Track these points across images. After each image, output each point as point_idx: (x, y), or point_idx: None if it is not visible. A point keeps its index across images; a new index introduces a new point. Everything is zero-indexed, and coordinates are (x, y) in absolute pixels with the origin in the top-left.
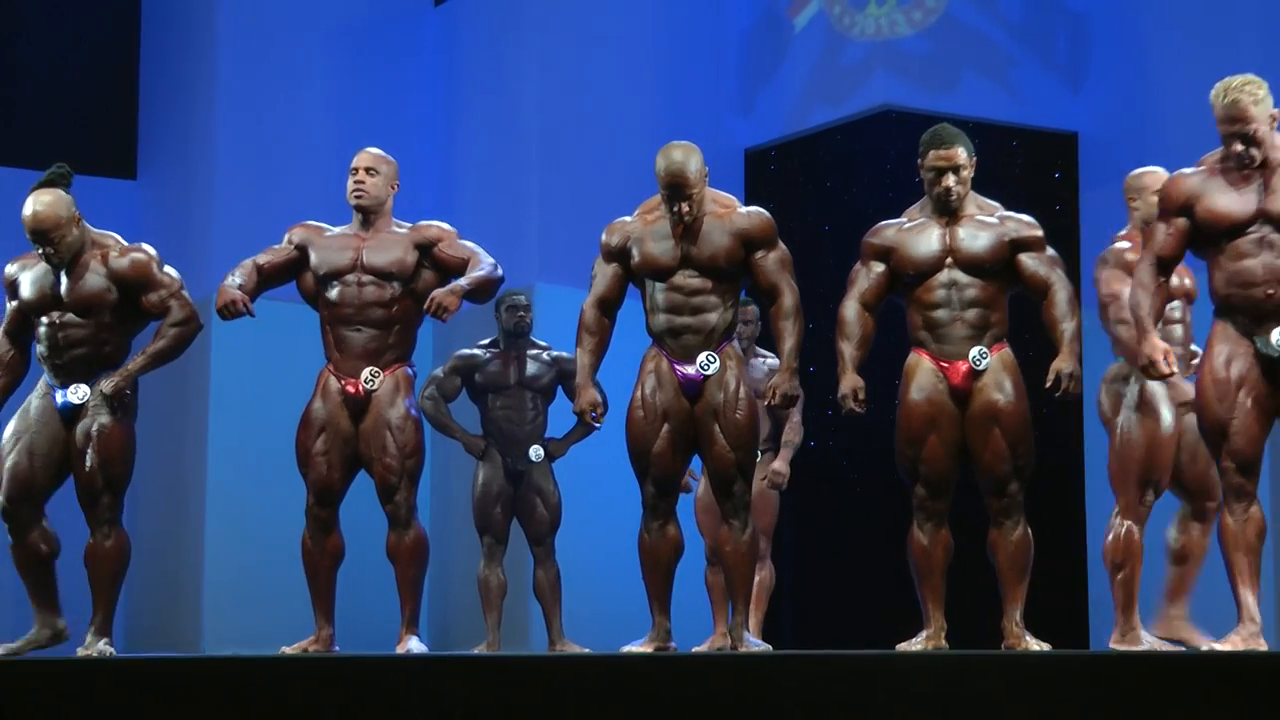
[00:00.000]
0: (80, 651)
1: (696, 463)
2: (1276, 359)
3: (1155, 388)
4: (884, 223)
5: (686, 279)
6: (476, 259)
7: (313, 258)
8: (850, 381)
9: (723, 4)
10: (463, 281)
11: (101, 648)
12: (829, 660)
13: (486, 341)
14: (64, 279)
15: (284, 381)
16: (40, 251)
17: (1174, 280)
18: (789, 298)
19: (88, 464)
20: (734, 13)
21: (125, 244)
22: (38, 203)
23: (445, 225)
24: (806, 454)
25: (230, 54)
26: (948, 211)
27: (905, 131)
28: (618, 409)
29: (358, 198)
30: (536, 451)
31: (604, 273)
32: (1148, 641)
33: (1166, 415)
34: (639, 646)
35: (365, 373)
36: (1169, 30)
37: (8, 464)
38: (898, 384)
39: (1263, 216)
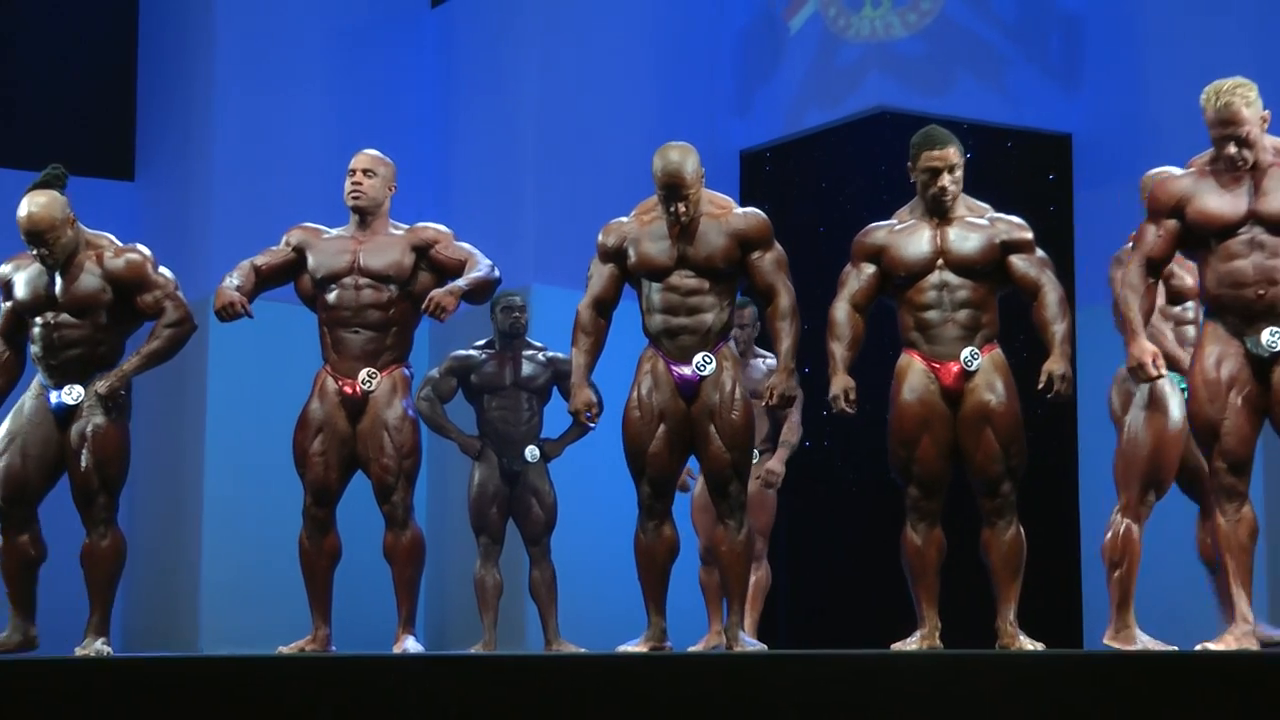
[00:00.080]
0: (78, 651)
1: (695, 462)
2: (1267, 359)
3: (1166, 387)
4: (874, 224)
5: (683, 279)
6: (473, 261)
7: (310, 261)
8: (841, 382)
9: (719, 6)
10: (461, 282)
11: (99, 647)
12: (824, 660)
13: (482, 342)
14: (59, 279)
15: (281, 382)
16: (35, 252)
17: (1187, 280)
18: (785, 298)
19: (83, 464)
20: (730, 14)
21: (120, 244)
22: (33, 204)
23: (442, 227)
24: (801, 454)
25: (228, 55)
26: (941, 212)
27: (900, 133)
28: (613, 409)
29: (355, 199)
30: (532, 452)
31: (600, 273)
32: (1142, 640)
33: (1176, 415)
34: (634, 646)
35: (363, 374)
36: (1163, 32)
37: (1, 465)
38: (890, 384)
39: (1253, 217)
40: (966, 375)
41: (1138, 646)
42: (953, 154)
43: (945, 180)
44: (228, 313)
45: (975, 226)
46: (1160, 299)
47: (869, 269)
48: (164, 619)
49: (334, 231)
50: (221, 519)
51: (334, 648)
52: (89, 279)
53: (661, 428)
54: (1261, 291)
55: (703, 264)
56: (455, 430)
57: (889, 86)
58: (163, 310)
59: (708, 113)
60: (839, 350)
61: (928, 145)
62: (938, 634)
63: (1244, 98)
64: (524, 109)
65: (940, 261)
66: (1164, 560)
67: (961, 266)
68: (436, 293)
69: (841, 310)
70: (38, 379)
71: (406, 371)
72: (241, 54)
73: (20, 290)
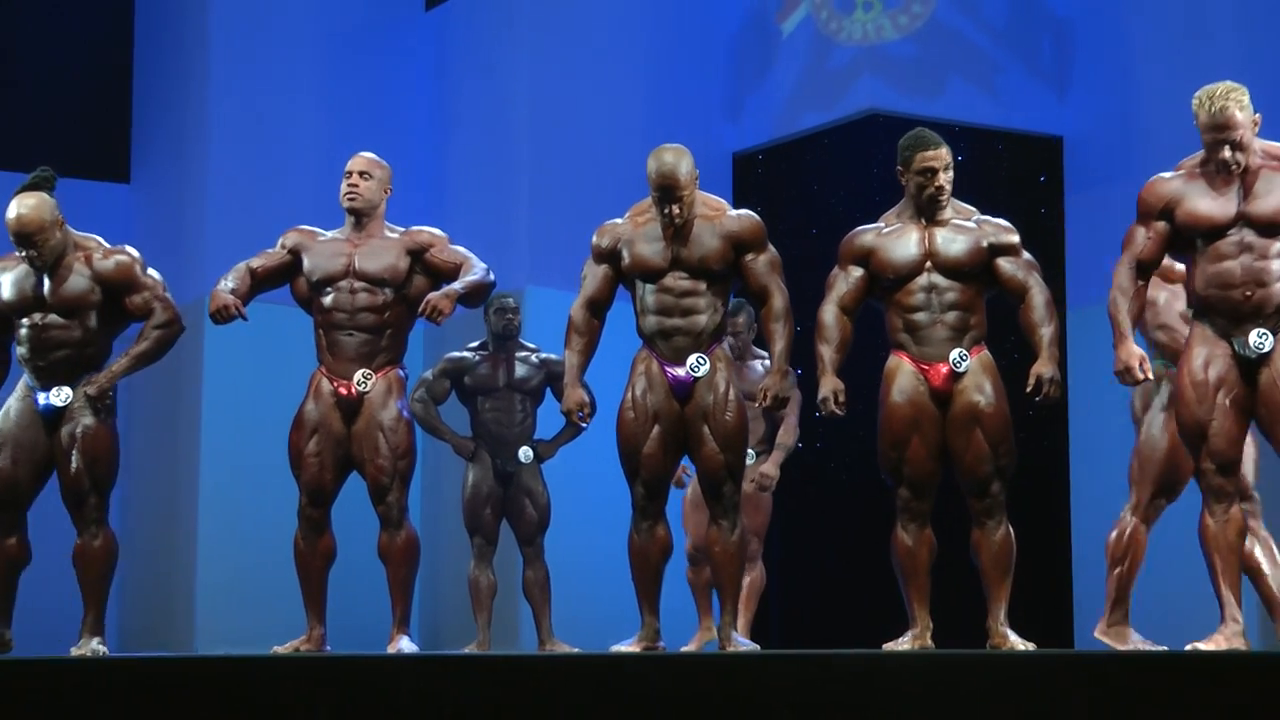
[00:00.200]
0: (74, 651)
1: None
2: (1255, 360)
3: None
4: (861, 227)
5: (676, 281)
6: (469, 264)
7: (306, 263)
8: (830, 384)
9: (711, 9)
10: (457, 285)
11: (95, 647)
12: (816, 660)
13: (475, 344)
14: (46, 281)
15: (276, 383)
16: (23, 254)
17: None
18: (779, 300)
19: (74, 465)
20: (722, 18)
21: (108, 246)
22: (22, 206)
23: (437, 231)
24: (793, 455)
25: (223, 58)
26: (933, 213)
27: (892, 136)
28: (606, 410)
29: (351, 201)
30: (526, 453)
31: (594, 274)
32: (1134, 639)
33: None
34: (628, 646)
35: (358, 375)
36: (1152, 35)
37: None
38: (879, 386)
39: (1243, 219)
40: (955, 376)
41: (1129, 644)
42: (946, 154)
43: (941, 179)
44: (222, 315)
45: (962, 229)
46: (1180, 304)
47: (857, 272)
48: (160, 619)
49: (329, 234)
50: (217, 520)
51: (329, 648)
52: (78, 280)
53: (655, 429)
54: (1249, 293)
55: (696, 265)
56: (449, 431)
57: (880, 89)
58: (152, 311)
59: (700, 115)
60: (827, 352)
61: (921, 146)
62: (929, 634)
63: (1238, 102)
64: (518, 111)
65: (928, 264)
66: (1159, 561)
67: (949, 269)
68: (433, 296)
69: (830, 313)
70: (24, 380)
71: (401, 373)
72: (237, 57)
73: (6, 291)
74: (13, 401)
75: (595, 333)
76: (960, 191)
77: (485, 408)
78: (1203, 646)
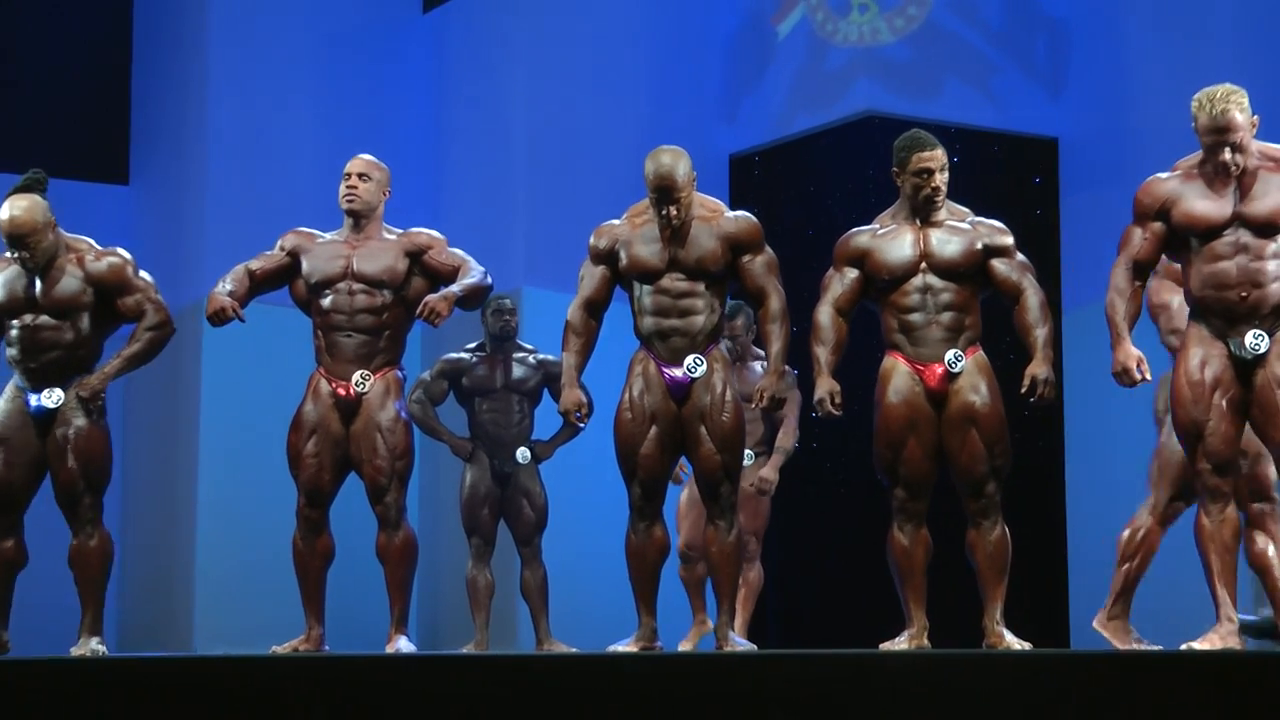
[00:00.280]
0: (73, 651)
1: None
2: (1250, 361)
3: None
4: (856, 229)
5: (674, 282)
6: (467, 267)
7: (305, 265)
8: (826, 385)
9: (708, 11)
10: (455, 288)
11: (94, 647)
12: (813, 660)
13: (473, 345)
14: (38, 282)
15: (275, 384)
16: (15, 255)
17: None
18: (776, 301)
19: (69, 466)
20: (718, 20)
21: (99, 247)
22: (14, 207)
23: (435, 233)
24: (790, 456)
25: (222, 60)
26: (930, 213)
27: (888, 137)
28: (604, 410)
29: (350, 202)
30: (523, 453)
31: (591, 275)
32: (1132, 637)
33: None
34: (625, 646)
35: (356, 375)
36: (1147, 36)
37: None
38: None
39: (1239, 220)
40: (951, 377)
41: (1124, 640)
42: (942, 155)
43: (938, 180)
44: (219, 318)
45: (957, 230)
46: None
47: (852, 273)
48: (159, 618)
49: (328, 236)
50: (216, 520)
51: (327, 647)
52: (70, 281)
53: (653, 429)
54: (1245, 294)
55: (693, 267)
56: (447, 432)
57: (876, 91)
58: (144, 313)
59: (697, 117)
60: (823, 354)
61: (918, 147)
62: (925, 634)
63: (1238, 104)
64: (515, 113)
65: (923, 265)
66: (1156, 560)
67: (944, 270)
68: (431, 298)
69: (825, 314)
70: (13, 382)
71: (399, 374)
72: (235, 59)
73: None
74: (2, 404)
75: (593, 333)
76: (956, 193)
77: (483, 409)
78: (1197, 646)
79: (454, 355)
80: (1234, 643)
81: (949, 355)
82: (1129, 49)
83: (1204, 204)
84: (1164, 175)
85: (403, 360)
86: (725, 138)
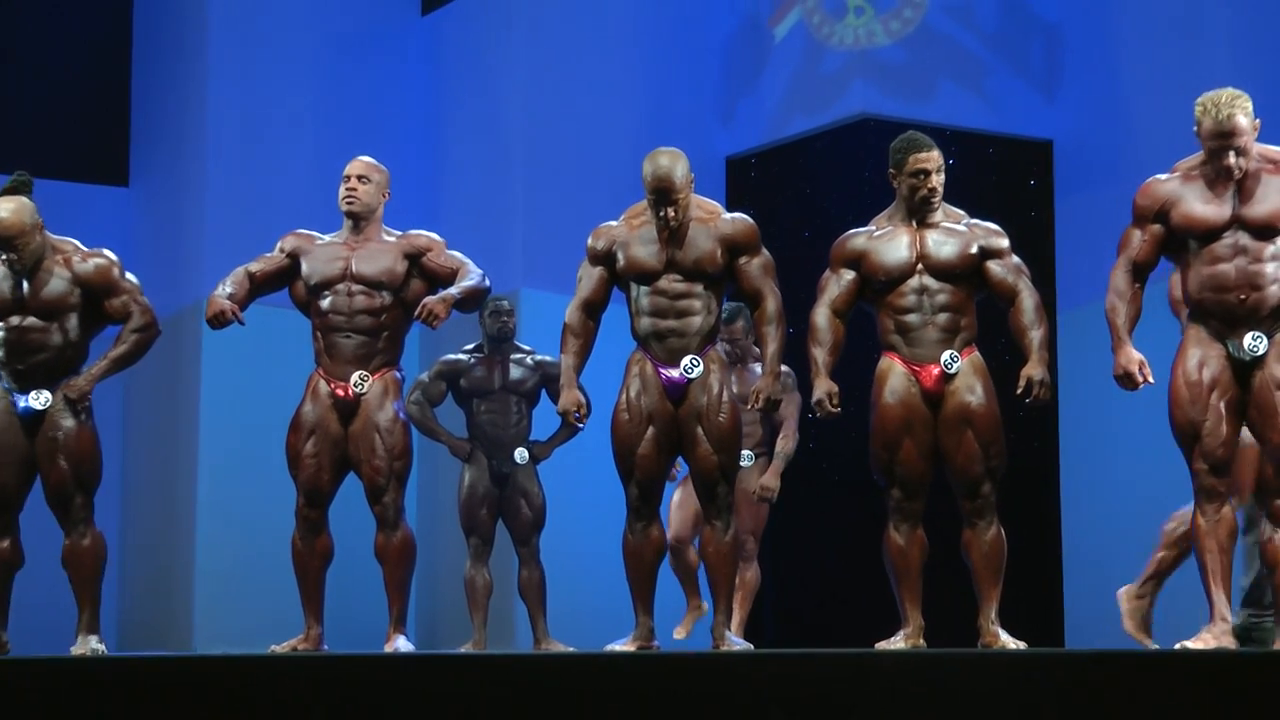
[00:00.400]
0: (73, 651)
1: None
2: (1248, 363)
3: None
4: (853, 231)
5: (671, 283)
6: (465, 269)
7: (304, 267)
8: (824, 386)
9: (704, 14)
10: (454, 290)
11: (93, 646)
12: (810, 659)
13: (471, 346)
14: (25, 284)
15: (274, 385)
16: (2, 257)
17: None
18: (772, 303)
19: (60, 467)
20: (715, 23)
21: (85, 249)
22: (2, 209)
23: (434, 235)
24: None
25: (221, 62)
26: (926, 215)
27: (884, 139)
28: (601, 411)
29: (349, 204)
30: (521, 454)
31: (589, 276)
32: (1138, 623)
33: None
34: (623, 645)
35: (355, 376)
36: (1142, 39)
37: None
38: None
39: (1238, 222)
40: (946, 378)
41: (1133, 626)
42: (938, 156)
43: (934, 181)
44: (218, 321)
45: (953, 232)
46: None
47: (848, 275)
48: (159, 618)
49: (327, 237)
50: (215, 519)
51: (326, 647)
52: (57, 283)
53: (650, 430)
54: (1244, 296)
55: (691, 268)
56: (445, 433)
57: (872, 94)
58: (130, 315)
59: (693, 119)
60: (820, 355)
61: (914, 149)
62: (921, 633)
63: (1243, 109)
64: (512, 115)
65: (920, 266)
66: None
67: (941, 271)
68: (429, 300)
69: (822, 315)
70: (0, 384)
71: (398, 374)
72: (234, 61)
73: None
74: None
75: (590, 334)
76: (951, 195)
77: (481, 409)
78: (1191, 645)
79: (452, 356)
80: (1228, 642)
81: (945, 356)
82: (1123, 52)
83: (1203, 206)
84: (1163, 177)
85: (401, 361)
86: (722, 140)
